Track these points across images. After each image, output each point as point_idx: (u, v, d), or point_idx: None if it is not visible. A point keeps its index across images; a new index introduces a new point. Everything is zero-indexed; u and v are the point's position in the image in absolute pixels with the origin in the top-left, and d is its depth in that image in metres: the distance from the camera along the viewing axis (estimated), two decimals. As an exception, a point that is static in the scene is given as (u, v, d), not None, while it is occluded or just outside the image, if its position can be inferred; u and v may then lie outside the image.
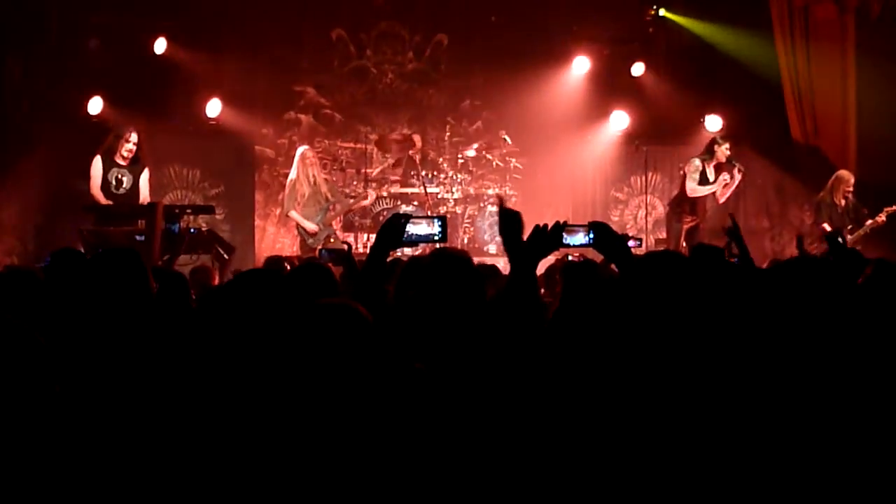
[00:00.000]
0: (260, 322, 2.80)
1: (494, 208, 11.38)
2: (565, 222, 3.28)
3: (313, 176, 10.45)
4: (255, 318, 2.83)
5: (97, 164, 9.28)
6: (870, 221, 10.39)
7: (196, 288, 5.42)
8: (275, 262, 6.28)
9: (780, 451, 2.64)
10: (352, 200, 11.10)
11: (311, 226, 10.34)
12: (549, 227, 3.19)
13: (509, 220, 3.14)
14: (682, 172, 11.10)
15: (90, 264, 3.65)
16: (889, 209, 10.38)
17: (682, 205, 10.76)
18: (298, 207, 10.39)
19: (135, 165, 9.38)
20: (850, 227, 10.26)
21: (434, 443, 2.53)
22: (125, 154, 9.30)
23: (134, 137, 9.33)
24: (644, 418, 2.68)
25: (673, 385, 2.69)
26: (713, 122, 12.04)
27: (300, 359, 2.47)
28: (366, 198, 11.09)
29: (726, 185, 10.60)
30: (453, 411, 2.64)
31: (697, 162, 10.62)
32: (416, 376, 2.67)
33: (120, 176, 9.34)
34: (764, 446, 2.65)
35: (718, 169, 10.66)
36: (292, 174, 10.48)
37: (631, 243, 6.58)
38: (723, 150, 10.63)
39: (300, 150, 10.66)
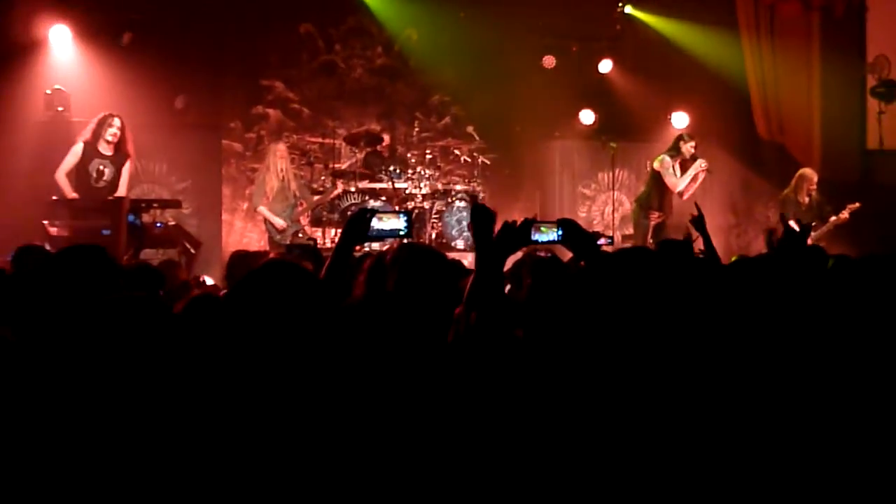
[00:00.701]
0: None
1: (462, 203, 11.39)
2: (534, 218, 3.29)
3: (283, 170, 10.44)
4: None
5: (76, 151, 9.10)
6: (833, 218, 10.51)
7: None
8: (241, 257, 6.25)
9: (745, 446, 2.67)
10: (317, 197, 11.09)
11: (279, 221, 10.33)
12: (518, 224, 3.19)
13: (483, 218, 3.13)
14: (648, 170, 11.16)
15: (55, 260, 3.62)
16: (852, 206, 10.50)
17: (649, 201, 10.80)
18: (267, 202, 10.38)
19: (118, 155, 9.24)
20: (813, 223, 10.37)
21: (405, 441, 2.54)
22: (109, 139, 9.12)
23: (117, 122, 9.19)
24: (615, 413, 2.69)
25: (643, 380, 2.71)
26: (679, 119, 12.13)
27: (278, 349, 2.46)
28: (332, 194, 11.09)
29: (694, 179, 10.67)
30: (421, 406, 2.65)
31: (668, 158, 10.68)
32: (391, 371, 2.67)
33: (102, 168, 9.17)
34: (731, 441, 2.67)
35: (684, 166, 10.74)
36: (262, 168, 10.46)
37: (602, 241, 6.60)
38: (688, 148, 10.70)
39: (272, 145, 10.69)
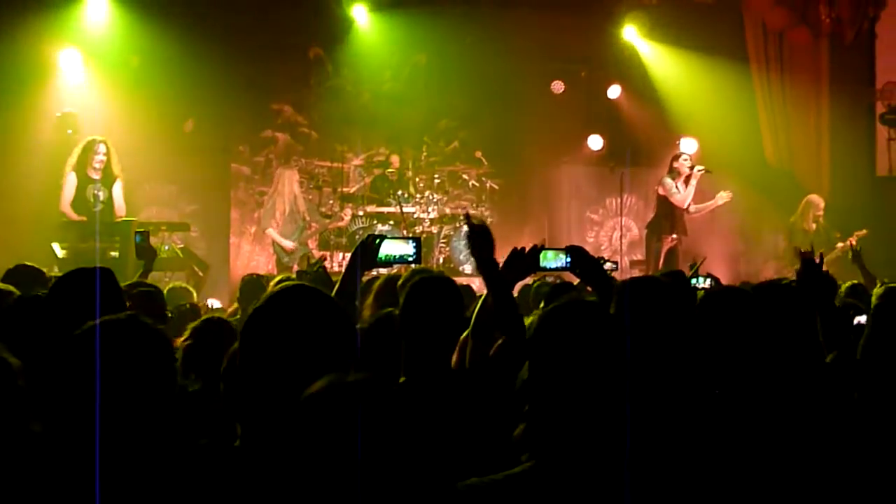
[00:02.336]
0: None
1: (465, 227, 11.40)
2: (542, 245, 3.27)
3: (292, 194, 10.46)
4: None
5: (70, 180, 9.22)
6: (840, 245, 10.47)
7: (173, 307, 5.38)
8: (252, 280, 6.25)
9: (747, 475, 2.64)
10: (328, 220, 11.10)
11: (287, 243, 10.33)
12: (527, 251, 3.18)
13: (480, 237, 3.11)
14: (656, 195, 11.18)
15: (63, 283, 3.61)
16: (859, 233, 10.46)
17: (661, 224, 10.85)
18: (276, 225, 10.39)
19: (107, 178, 9.35)
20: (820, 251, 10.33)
21: (405, 466, 2.51)
22: (97, 166, 9.26)
23: (102, 148, 9.29)
24: (629, 438, 2.67)
25: (657, 414, 2.69)
26: (688, 145, 12.13)
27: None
28: (342, 219, 11.11)
29: (698, 191, 10.80)
30: (433, 430, 2.63)
31: (669, 180, 10.80)
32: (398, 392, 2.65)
33: (96, 191, 9.28)
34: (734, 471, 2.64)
35: (688, 181, 10.81)
36: (272, 191, 10.48)
37: (607, 266, 6.59)
38: (681, 163, 10.82)
39: (281, 169, 10.72)
